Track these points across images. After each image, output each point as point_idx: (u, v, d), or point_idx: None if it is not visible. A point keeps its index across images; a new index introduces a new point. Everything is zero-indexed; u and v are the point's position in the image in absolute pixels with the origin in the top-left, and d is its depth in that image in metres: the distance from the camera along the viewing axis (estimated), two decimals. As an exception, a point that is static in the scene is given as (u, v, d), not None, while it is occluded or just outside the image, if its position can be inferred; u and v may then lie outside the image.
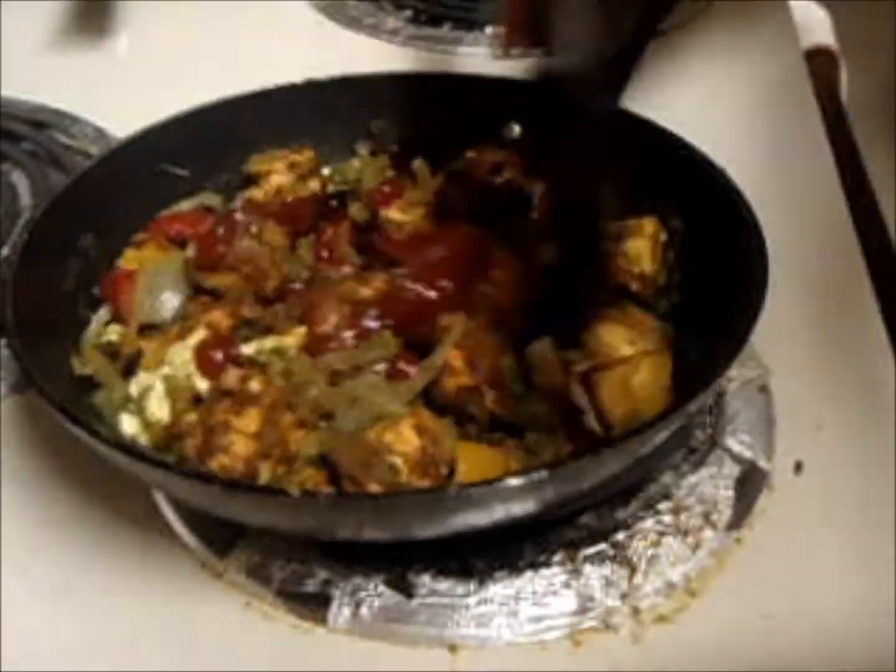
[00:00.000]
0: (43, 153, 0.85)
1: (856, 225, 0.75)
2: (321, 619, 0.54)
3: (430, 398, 0.57)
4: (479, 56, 0.98)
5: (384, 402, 0.55)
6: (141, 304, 0.63)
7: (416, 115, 0.74)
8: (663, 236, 0.65)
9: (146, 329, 0.63)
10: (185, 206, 0.70)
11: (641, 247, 0.64)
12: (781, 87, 0.89)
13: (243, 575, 0.55)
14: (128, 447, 0.54)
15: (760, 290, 0.55)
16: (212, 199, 0.71)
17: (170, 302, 0.63)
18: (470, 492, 0.48)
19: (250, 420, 0.54)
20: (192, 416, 0.56)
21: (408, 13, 1.05)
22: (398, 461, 0.52)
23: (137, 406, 0.58)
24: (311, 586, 0.55)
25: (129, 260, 0.66)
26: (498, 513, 0.50)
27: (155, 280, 0.64)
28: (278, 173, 0.70)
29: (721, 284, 0.60)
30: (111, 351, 0.61)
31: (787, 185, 0.76)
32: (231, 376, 0.56)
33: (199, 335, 0.59)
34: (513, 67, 0.89)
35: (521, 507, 0.51)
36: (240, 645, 0.53)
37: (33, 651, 0.53)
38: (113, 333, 0.63)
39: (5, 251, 0.75)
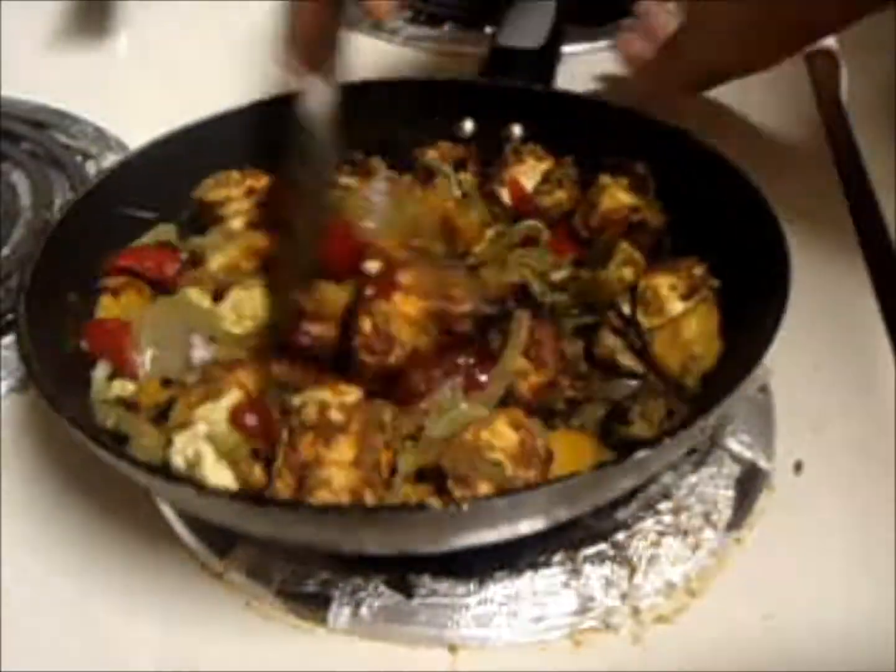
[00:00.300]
0: (43, 153, 0.85)
1: (856, 225, 0.75)
2: (321, 619, 0.54)
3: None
4: (478, 56, 0.98)
5: (469, 408, 0.55)
6: (152, 359, 0.61)
7: (365, 123, 0.73)
8: (623, 181, 0.67)
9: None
10: (145, 240, 0.68)
11: (615, 192, 0.67)
12: (781, 87, 0.89)
13: (243, 575, 0.56)
14: (134, 458, 0.54)
15: (781, 309, 0.55)
16: (168, 230, 0.69)
17: (178, 355, 0.61)
18: (474, 506, 0.48)
19: (345, 449, 0.52)
20: (256, 471, 0.54)
21: (408, 13, 1.05)
22: (500, 457, 0.52)
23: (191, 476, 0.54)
24: (311, 586, 0.55)
25: (107, 308, 0.64)
26: (504, 531, 0.51)
27: (158, 333, 0.62)
28: (236, 200, 0.69)
29: (739, 288, 0.60)
30: (128, 405, 0.59)
31: (786, 185, 0.76)
32: (311, 410, 0.54)
33: (232, 397, 0.56)
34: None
35: (530, 524, 0.51)
36: (240, 645, 0.53)
37: (33, 651, 0.53)
38: (119, 388, 0.60)
39: (5, 251, 0.75)
